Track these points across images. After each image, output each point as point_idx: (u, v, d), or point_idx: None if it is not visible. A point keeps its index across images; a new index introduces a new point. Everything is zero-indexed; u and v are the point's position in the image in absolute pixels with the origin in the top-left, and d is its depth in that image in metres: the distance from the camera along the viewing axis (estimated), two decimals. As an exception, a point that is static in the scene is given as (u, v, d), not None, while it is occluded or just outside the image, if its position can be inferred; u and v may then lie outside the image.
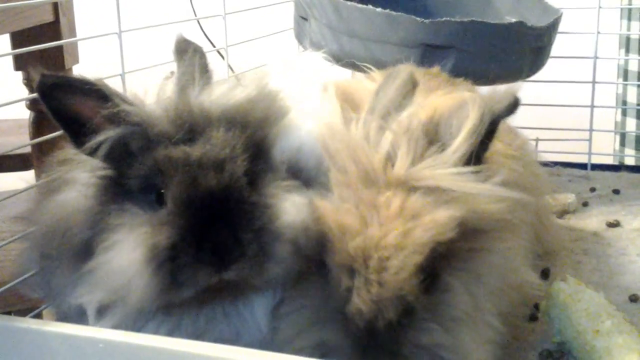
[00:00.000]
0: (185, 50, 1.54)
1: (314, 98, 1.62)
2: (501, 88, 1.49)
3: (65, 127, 1.37)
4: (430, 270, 1.31)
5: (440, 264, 1.32)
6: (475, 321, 1.35)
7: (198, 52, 1.56)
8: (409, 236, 1.28)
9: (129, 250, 1.26)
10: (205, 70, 1.52)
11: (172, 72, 1.51)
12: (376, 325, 1.26)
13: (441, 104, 1.67)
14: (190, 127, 1.33)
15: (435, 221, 1.29)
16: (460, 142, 1.38)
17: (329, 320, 1.32)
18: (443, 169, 1.36)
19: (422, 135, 1.40)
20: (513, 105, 1.44)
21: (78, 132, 1.35)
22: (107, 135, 1.34)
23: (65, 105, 1.34)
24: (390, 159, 1.38)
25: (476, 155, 1.39)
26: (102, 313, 1.36)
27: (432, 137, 1.42)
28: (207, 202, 1.28)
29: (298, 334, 1.35)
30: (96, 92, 1.34)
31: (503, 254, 1.42)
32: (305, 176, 1.44)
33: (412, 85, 1.57)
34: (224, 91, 1.42)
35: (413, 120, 1.45)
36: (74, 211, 1.37)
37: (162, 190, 1.31)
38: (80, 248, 1.34)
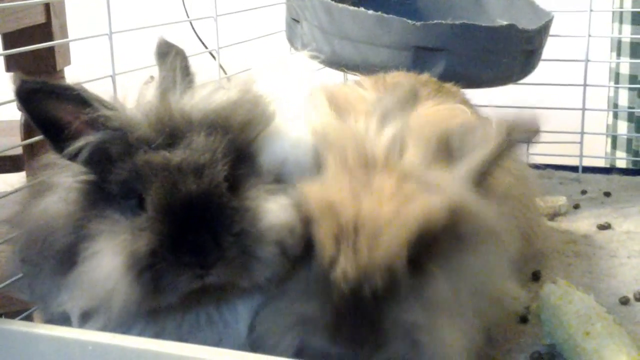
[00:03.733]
0: (167, 53, 1.53)
1: (300, 102, 1.61)
2: (524, 112, 1.51)
3: (46, 132, 1.36)
4: (416, 259, 1.32)
5: (425, 255, 1.33)
6: (454, 311, 1.35)
7: (180, 55, 1.54)
8: (402, 213, 1.29)
9: (109, 259, 1.25)
10: (186, 73, 1.51)
11: (152, 77, 1.50)
12: (361, 292, 1.25)
13: (433, 115, 1.67)
14: (171, 131, 1.33)
15: (428, 204, 1.31)
16: (474, 163, 1.40)
17: (311, 296, 1.32)
18: (450, 177, 1.38)
19: (434, 143, 1.42)
20: (534, 134, 1.46)
21: (58, 137, 1.34)
22: (87, 140, 1.33)
23: (45, 111, 1.33)
24: (394, 150, 1.40)
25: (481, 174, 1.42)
26: (85, 319, 1.35)
27: (443, 148, 1.43)
28: (187, 207, 1.27)
29: (279, 314, 1.35)
30: (75, 97, 1.33)
31: (485, 260, 1.42)
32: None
33: (413, 99, 1.57)
34: (205, 95, 1.41)
35: (422, 127, 1.46)
36: (55, 216, 1.36)
37: (143, 195, 1.30)
38: (62, 254, 1.33)
